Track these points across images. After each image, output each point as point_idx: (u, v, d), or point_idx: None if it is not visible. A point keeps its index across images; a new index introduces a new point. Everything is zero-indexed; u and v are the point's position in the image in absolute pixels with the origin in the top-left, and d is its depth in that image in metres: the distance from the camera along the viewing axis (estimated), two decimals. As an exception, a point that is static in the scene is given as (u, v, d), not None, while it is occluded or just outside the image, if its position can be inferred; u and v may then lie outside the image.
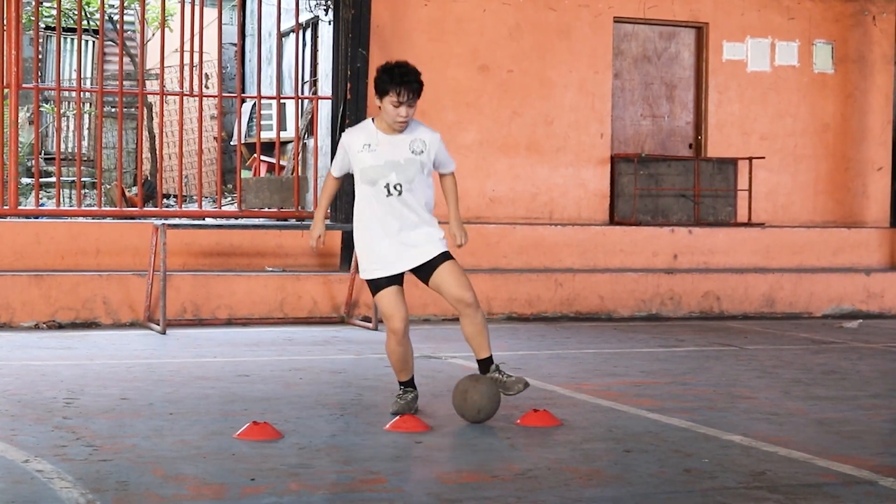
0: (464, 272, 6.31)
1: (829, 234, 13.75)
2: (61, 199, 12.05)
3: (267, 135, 14.22)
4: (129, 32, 19.46)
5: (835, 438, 5.97)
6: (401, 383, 6.43)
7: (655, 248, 12.95)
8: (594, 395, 7.18)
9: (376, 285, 6.22)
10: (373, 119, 6.31)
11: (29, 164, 16.18)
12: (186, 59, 13.40)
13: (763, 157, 13.82)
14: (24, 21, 12.22)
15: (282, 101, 13.37)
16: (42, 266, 10.87)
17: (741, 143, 13.93)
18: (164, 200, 15.61)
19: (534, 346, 9.71)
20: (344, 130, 11.55)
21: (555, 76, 13.21)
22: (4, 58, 11.38)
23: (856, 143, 14.37)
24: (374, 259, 6.21)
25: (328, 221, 11.94)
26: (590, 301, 12.01)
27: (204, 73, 14.50)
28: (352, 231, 11.57)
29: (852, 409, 6.88)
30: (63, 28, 14.47)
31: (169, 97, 15.15)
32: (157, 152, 15.07)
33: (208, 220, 12.05)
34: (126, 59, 16.83)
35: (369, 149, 6.17)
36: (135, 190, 15.27)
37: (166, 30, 12.71)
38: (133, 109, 17.61)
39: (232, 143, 17.32)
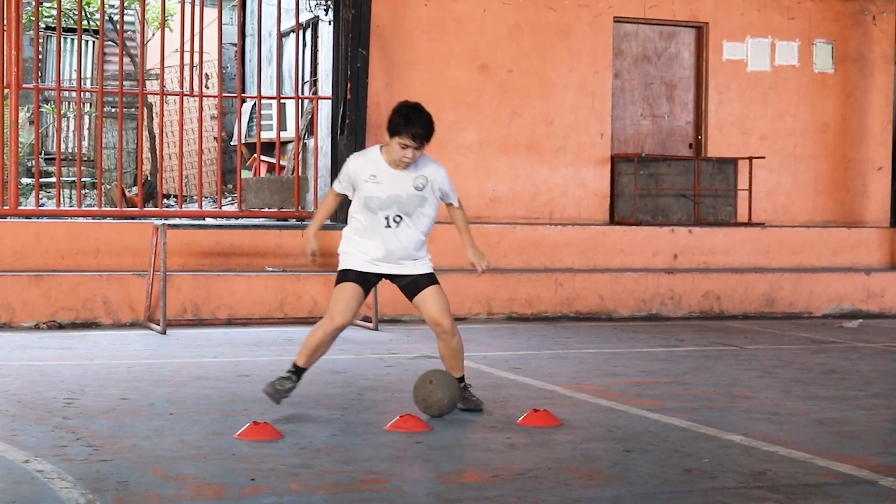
0: (446, 298, 6.45)
1: (829, 234, 13.75)
2: (61, 200, 12.05)
3: (267, 135, 14.22)
4: (129, 32, 19.46)
5: (835, 438, 5.97)
6: (295, 365, 6.38)
7: (655, 248, 12.96)
8: (594, 395, 7.18)
9: (346, 274, 6.38)
10: (381, 147, 6.42)
11: (29, 164, 16.18)
12: (186, 59, 13.40)
13: (763, 157, 13.82)
14: (24, 21, 12.22)
15: (282, 101, 13.37)
16: (42, 266, 10.87)
17: (741, 142, 13.93)
18: (165, 200, 15.61)
19: (534, 346, 9.71)
20: (344, 131, 11.72)
21: (555, 76, 13.21)
22: (4, 58, 11.38)
23: (856, 142, 14.37)
24: (358, 252, 6.39)
25: (328, 221, 11.93)
26: (590, 301, 12.01)
27: (204, 73, 14.51)
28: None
29: (852, 408, 6.88)
30: (63, 28, 14.47)
31: (169, 97, 15.14)
32: (157, 152, 15.08)
33: (208, 221, 12.04)
34: (126, 59, 16.83)
35: (374, 180, 6.31)
36: (135, 190, 15.27)
37: (166, 30, 12.71)
38: (133, 109, 17.61)
39: (232, 143, 17.32)
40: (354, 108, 11.68)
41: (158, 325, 10.11)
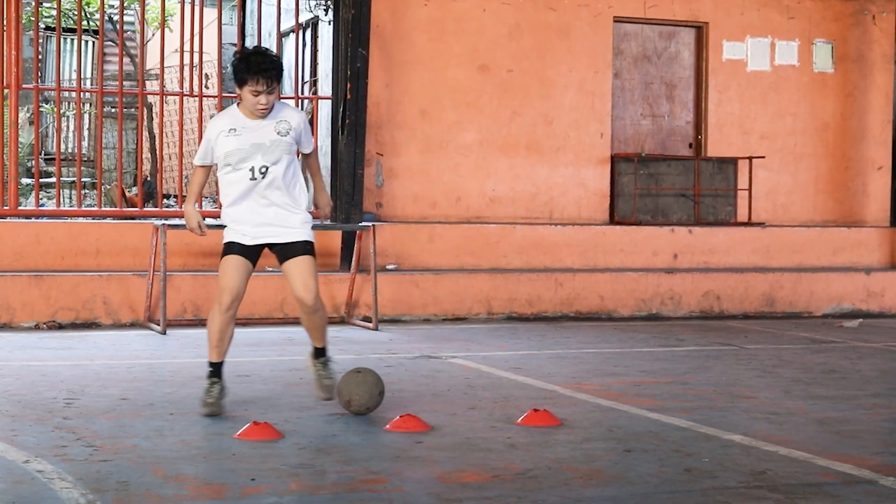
0: (315, 272, 6.33)
1: (829, 234, 13.76)
2: (61, 200, 12.05)
3: (267, 135, 14.18)
4: (129, 32, 19.46)
5: (835, 438, 5.97)
6: (211, 364, 6.32)
7: (655, 248, 12.96)
8: (594, 395, 7.18)
9: (228, 248, 6.26)
10: (238, 104, 6.27)
11: (29, 164, 16.18)
12: (186, 59, 13.39)
13: (763, 157, 13.82)
14: (24, 21, 12.21)
15: (282, 100, 13.34)
16: (42, 266, 10.87)
17: (741, 142, 13.93)
18: (164, 200, 15.61)
19: (534, 346, 9.71)
20: (344, 130, 11.72)
21: (555, 76, 13.21)
22: (4, 58, 11.38)
23: (856, 142, 14.37)
24: (235, 225, 6.24)
25: (328, 221, 11.94)
26: (590, 301, 12.02)
27: (204, 73, 14.50)
28: (352, 231, 11.60)
29: (852, 408, 6.88)
30: (63, 28, 14.47)
31: (169, 97, 15.14)
32: (157, 152, 15.07)
33: (209, 221, 12.01)
34: (126, 60, 16.83)
35: (234, 133, 6.15)
36: (135, 190, 15.27)
37: (166, 30, 12.71)
38: (133, 109, 17.61)
39: (232, 143, 17.28)
40: (354, 108, 11.68)
41: (158, 325, 10.11)
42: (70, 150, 17.39)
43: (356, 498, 4.64)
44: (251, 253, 6.28)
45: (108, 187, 15.17)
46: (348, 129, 11.68)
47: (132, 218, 11.83)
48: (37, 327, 10.25)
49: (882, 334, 11.11)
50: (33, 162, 13.04)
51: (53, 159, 13.41)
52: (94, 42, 19.48)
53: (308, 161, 6.58)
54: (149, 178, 15.81)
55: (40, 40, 17.39)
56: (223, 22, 13.54)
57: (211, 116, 18.04)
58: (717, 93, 13.91)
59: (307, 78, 14.81)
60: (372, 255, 10.78)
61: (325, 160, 12.95)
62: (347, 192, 11.64)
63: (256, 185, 6.15)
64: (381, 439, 5.71)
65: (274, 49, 15.15)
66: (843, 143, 14.34)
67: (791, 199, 14.14)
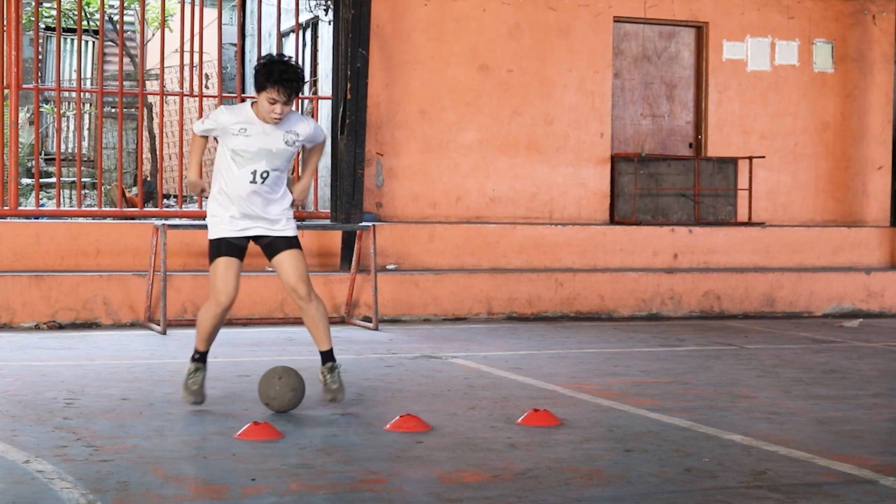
0: (304, 263, 6.41)
1: (830, 233, 13.76)
2: (61, 200, 12.04)
3: (267, 135, 14.18)
4: (129, 33, 19.46)
5: (835, 437, 5.97)
6: (197, 352, 6.44)
7: (655, 248, 12.96)
8: (595, 395, 7.18)
9: (217, 249, 6.31)
10: (252, 103, 6.31)
11: (29, 164, 16.18)
12: (186, 60, 13.40)
13: (763, 157, 13.82)
14: (24, 21, 12.21)
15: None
16: (42, 266, 10.87)
17: (741, 142, 13.93)
18: (164, 200, 15.61)
19: (534, 346, 9.71)
20: (344, 131, 11.72)
21: (555, 76, 13.21)
22: (4, 58, 11.38)
23: (856, 141, 14.37)
24: (225, 215, 6.29)
25: (327, 221, 11.95)
26: (590, 301, 12.02)
27: (204, 73, 14.50)
28: (352, 231, 11.59)
29: (853, 408, 6.88)
30: (63, 28, 14.47)
31: (169, 97, 15.14)
32: (157, 152, 15.07)
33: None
34: (126, 60, 16.83)
35: (244, 133, 6.21)
36: (135, 190, 15.27)
37: (166, 30, 12.70)
38: (133, 110, 17.61)
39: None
40: (354, 108, 11.68)
41: (159, 325, 10.11)
42: (70, 151, 17.39)
43: (356, 498, 4.64)
44: (239, 249, 6.35)
45: (108, 187, 15.16)
46: (348, 129, 11.68)
47: (132, 218, 11.83)
48: (37, 327, 10.25)
49: (882, 334, 11.11)
50: (33, 162, 13.04)
51: (53, 159, 13.42)
52: (94, 42, 19.48)
53: (310, 151, 6.65)
54: (149, 179, 15.81)
55: (40, 40, 17.39)
56: (223, 22, 13.55)
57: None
58: (717, 93, 13.91)
59: (307, 78, 14.81)
60: (372, 255, 10.78)
61: (325, 160, 12.95)
62: (347, 192, 11.64)
63: (256, 187, 6.25)
64: (381, 439, 5.71)
65: (274, 49, 15.18)
66: (843, 143, 14.34)
67: (791, 199, 14.14)
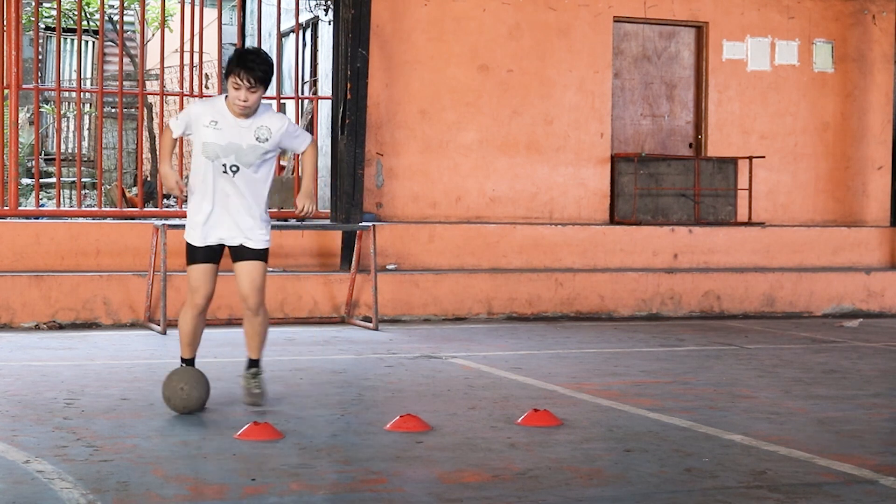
0: (263, 278, 6.39)
1: (830, 233, 13.76)
2: (61, 200, 12.04)
3: (267, 135, 14.18)
4: (129, 33, 19.46)
5: (835, 437, 5.97)
6: (183, 360, 6.56)
7: (655, 248, 12.96)
8: (595, 395, 7.18)
9: (193, 255, 6.35)
10: (225, 96, 6.29)
11: (29, 164, 16.18)
12: (186, 59, 13.40)
13: (763, 157, 13.82)
14: (24, 21, 12.21)
15: (282, 101, 13.36)
16: (42, 267, 10.87)
17: (741, 142, 13.93)
18: (165, 201, 15.61)
19: (534, 346, 9.71)
20: (344, 131, 11.72)
21: (555, 75, 13.21)
22: (4, 58, 11.38)
23: (856, 141, 14.37)
24: (199, 221, 6.30)
25: (327, 221, 11.95)
26: (590, 301, 12.02)
27: (204, 73, 14.49)
28: (352, 231, 11.59)
29: (853, 408, 6.88)
30: (63, 28, 14.47)
31: (169, 97, 15.14)
32: (157, 153, 15.05)
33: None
34: (126, 60, 16.83)
35: (215, 126, 6.21)
36: (135, 190, 15.27)
37: (166, 30, 12.70)
38: (133, 110, 17.62)
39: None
40: (354, 108, 11.67)
41: (159, 325, 10.11)
42: (70, 151, 17.39)
43: (356, 498, 4.64)
44: (213, 255, 6.38)
45: (109, 187, 15.16)
46: (348, 129, 11.68)
47: (132, 218, 11.83)
48: (37, 327, 10.25)
49: (882, 334, 11.11)
50: (33, 162, 13.04)
51: (53, 159, 13.42)
52: (94, 42, 19.48)
53: (303, 159, 6.63)
54: (149, 179, 15.80)
55: (40, 40, 17.39)
56: (223, 22, 13.55)
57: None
58: (717, 93, 13.91)
59: (307, 78, 14.81)
60: (372, 255, 10.78)
61: (325, 160, 12.96)
62: (347, 192, 11.64)
63: (227, 178, 6.24)
64: (381, 439, 5.71)
65: (274, 49, 15.19)
66: (843, 143, 14.34)
67: (791, 199, 14.14)
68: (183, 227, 10.69)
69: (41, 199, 13.41)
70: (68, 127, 17.76)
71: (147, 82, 16.68)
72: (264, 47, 14.89)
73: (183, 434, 5.77)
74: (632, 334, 10.69)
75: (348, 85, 11.66)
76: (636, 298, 12.18)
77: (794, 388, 7.59)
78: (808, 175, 14.21)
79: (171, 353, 8.84)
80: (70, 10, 16.83)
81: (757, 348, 9.86)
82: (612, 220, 13.35)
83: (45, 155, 17.36)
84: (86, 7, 17.02)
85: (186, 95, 12.59)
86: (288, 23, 14.41)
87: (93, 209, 12.29)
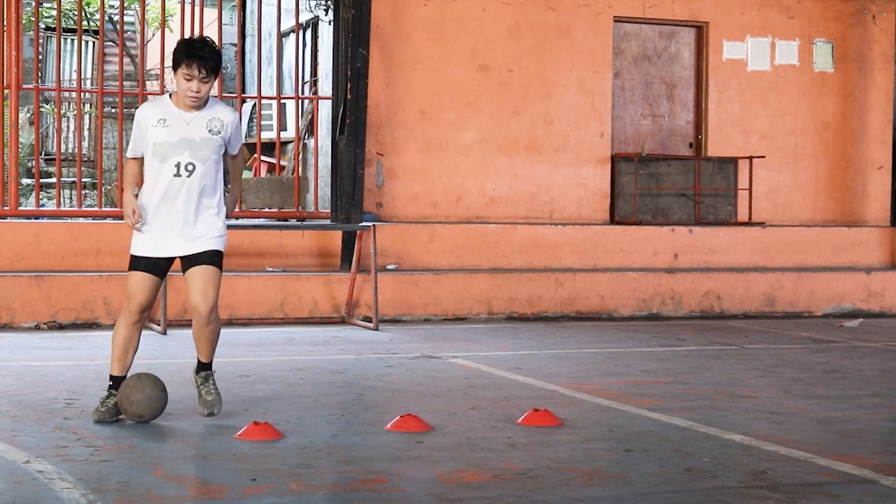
0: (217, 283, 6.02)
1: (830, 233, 13.76)
2: (61, 200, 12.05)
3: (267, 135, 14.22)
4: (129, 33, 19.46)
5: (836, 437, 5.97)
6: (112, 378, 6.10)
7: (656, 248, 12.96)
8: (595, 395, 7.18)
9: (136, 263, 5.99)
10: (170, 94, 6.03)
11: (29, 164, 16.18)
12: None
13: (763, 157, 13.82)
14: (24, 21, 12.22)
15: (282, 101, 13.37)
16: (42, 267, 10.87)
17: (741, 142, 13.93)
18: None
19: (534, 346, 9.71)
20: (344, 131, 11.71)
21: (555, 75, 13.21)
22: (4, 58, 11.38)
23: (856, 141, 14.37)
24: (148, 234, 5.95)
25: (327, 221, 11.95)
26: (590, 300, 12.02)
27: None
28: (352, 231, 11.58)
29: (853, 407, 6.88)
30: (63, 28, 14.47)
31: (169, 97, 15.09)
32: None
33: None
34: (126, 60, 16.83)
35: (164, 124, 5.89)
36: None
37: (166, 30, 12.70)
38: (133, 110, 17.59)
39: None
40: (354, 108, 11.68)
41: (159, 325, 10.11)
42: (70, 151, 17.39)
43: (356, 498, 4.64)
44: (160, 267, 6.03)
45: (109, 187, 15.16)
46: (348, 129, 11.68)
47: (132, 218, 11.81)
48: (37, 328, 10.25)
49: (882, 334, 11.11)
50: (33, 162, 13.04)
51: (53, 159, 13.42)
52: (94, 42, 19.48)
53: (233, 164, 6.28)
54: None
55: (40, 40, 17.39)
56: (223, 22, 13.54)
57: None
58: (717, 93, 13.91)
59: (307, 78, 14.82)
60: (372, 255, 10.78)
61: (325, 160, 12.97)
62: (347, 192, 11.64)
63: (181, 183, 5.89)
64: (381, 439, 5.71)
65: (274, 49, 15.19)
66: (843, 143, 14.34)
67: (791, 199, 14.14)
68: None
69: (41, 199, 13.41)
70: (68, 127, 17.77)
71: (147, 82, 16.68)
72: (264, 47, 14.89)
73: (183, 434, 5.77)
74: (632, 334, 10.69)
75: (348, 85, 11.67)
76: (636, 298, 12.19)
77: (794, 388, 7.59)
78: (808, 175, 14.20)
79: (170, 354, 8.85)
80: (70, 10, 16.83)
81: (757, 348, 9.86)
82: (613, 220, 13.35)
83: (45, 155, 17.36)
84: (86, 7, 17.03)
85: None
86: (288, 23, 14.41)
87: (93, 209, 12.29)
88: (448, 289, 11.54)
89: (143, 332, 10.06)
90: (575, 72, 13.28)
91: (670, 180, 13.47)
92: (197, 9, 12.26)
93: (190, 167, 5.89)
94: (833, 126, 14.30)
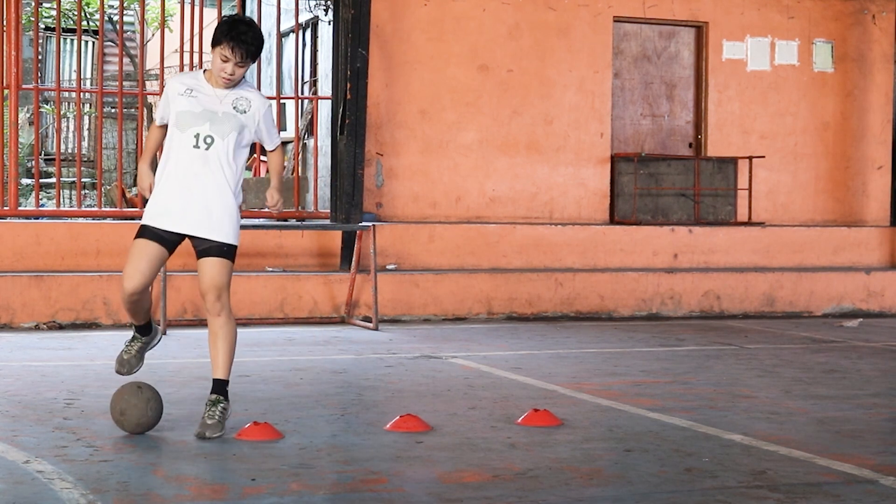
0: (229, 274, 5.90)
1: (830, 233, 13.76)
2: (61, 200, 12.04)
3: (267, 135, 14.19)
4: (128, 33, 19.46)
5: (835, 437, 5.97)
6: (134, 327, 6.15)
7: (655, 248, 12.96)
8: (595, 395, 7.18)
9: (142, 231, 5.75)
10: (204, 70, 5.92)
11: (29, 164, 16.18)
12: (186, 60, 13.40)
13: (763, 157, 13.82)
14: (24, 21, 12.22)
15: (282, 101, 13.37)
16: (42, 267, 10.87)
17: (741, 142, 13.94)
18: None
19: (534, 346, 9.71)
20: (344, 131, 11.72)
21: (554, 75, 13.21)
22: (4, 58, 11.38)
23: (856, 141, 14.37)
24: (158, 203, 5.75)
25: (327, 221, 11.95)
26: (590, 300, 12.02)
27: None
28: (352, 231, 11.59)
29: (853, 407, 6.88)
30: (63, 28, 14.47)
31: (169, 97, 15.11)
32: (157, 153, 15.03)
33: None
34: (126, 60, 16.83)
35: (190, 94, 5.76)
36: (135, 190, 15.27)
37: (166, 30, 12.70)
38: (133, 110, 17.62)
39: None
40: (354, 108, 11.68)
41: (159, 325, 10.10)
42: (70, 151, 17.39)
43: (356, 498, 4.64)
44: (169, 241, 5.79)
45: (109, 187, 15.17)
46: (348, 129, 11.68)
47: (132, 218, 11.83)
48: (37, 328, 10.25)
49: (882, 334, 11.11)
50: (33, 162, 13.04)
51: (53, 160, 13.42)
52: (94, 42, 19.48)
53: (270, 159, 6.18)
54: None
55: (40, 40, 17.39)
56: (223, 22, 13.53)
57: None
58: (717, 92, 13.91)
59: (307, 78, 14.82)
60: (372, 255, 10.78)
61: (325, 160, 12.96)
62: (347, 192, 11.64)
63: (198, 155, 5.71)
64: (381, 439, 5.71)
65: (274, 49, 15.19)
66: (843, 143, 14.34)
67: (791, 199, 14.14)
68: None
69: (41, 200, 13.41)
70: (68, 127, 17.77)
71: (147, 82, 16.68)
72: (264, 47, 14.89)
73: (183, 434, 5.77)
74: (632, 334, 10.69)
75: (348, 85, 11.67)
76: (636, 298, 12.19)
77: (794, 388, 7.59)
78: (808, 175, 14.21)
79: (171, 353, 8.84)
80: (70, 10, 16.83)
81: (757, 348, 9.86)
82: (612, 220, 13.36)
83: (45, 155, 17.37)
84: (86, 7, 17.03)
85: (186, 95, 12.58)
86: (288, 23, 14.41)
87: (93, 209, 12.29)
88: (448, 289, 11.54)
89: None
90: (575, 72, 13.28)
91: (670, 180, 13.47)
92: (197, 9, 12.27)
93: (209, 139, 5.71)
94: (833, 126, 14.30)
